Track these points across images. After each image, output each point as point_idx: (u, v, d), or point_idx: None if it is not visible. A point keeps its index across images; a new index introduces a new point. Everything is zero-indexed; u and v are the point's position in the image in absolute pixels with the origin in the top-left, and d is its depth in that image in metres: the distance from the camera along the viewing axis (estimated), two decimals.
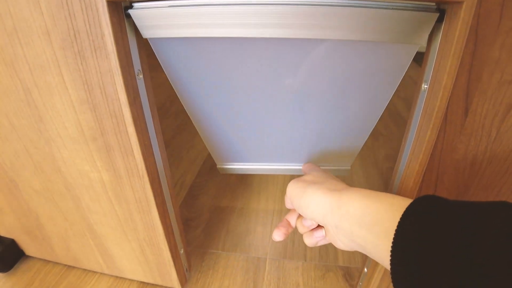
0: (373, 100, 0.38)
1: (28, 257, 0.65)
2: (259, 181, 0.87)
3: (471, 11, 0.25)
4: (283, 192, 0.65)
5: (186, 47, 0.34)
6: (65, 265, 0.62)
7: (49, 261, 0.63)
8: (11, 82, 0.38)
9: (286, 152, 0.49)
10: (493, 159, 0.34)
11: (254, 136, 0.47)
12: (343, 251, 0.64)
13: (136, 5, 0.31)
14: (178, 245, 0.50)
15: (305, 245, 0.56)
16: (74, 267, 0.61)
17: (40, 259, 0.64)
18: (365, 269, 0.49)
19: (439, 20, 0.28)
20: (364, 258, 0.50)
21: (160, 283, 0.55)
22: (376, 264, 0.45)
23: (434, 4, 0.27)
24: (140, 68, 0.35)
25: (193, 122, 0.44)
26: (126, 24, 0.32)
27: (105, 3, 0.29)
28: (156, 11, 0.30)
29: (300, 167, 0.50)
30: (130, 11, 0.31)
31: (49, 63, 0.35)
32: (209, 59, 0.35)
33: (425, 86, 0.31)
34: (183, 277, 0.53)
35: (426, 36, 0.29)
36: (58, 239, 0.55)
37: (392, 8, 0.27)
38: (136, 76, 0.34)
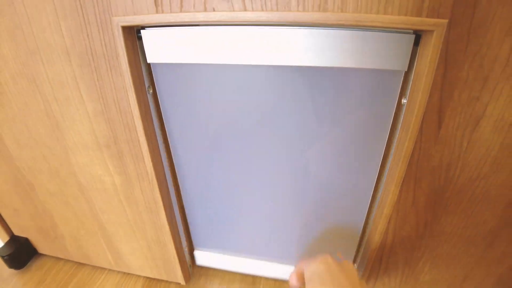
0: (357, 170, 0.40)
1: (40, 255, 0.69)
2: None
3: (441, 38, 0.29)
4: None
5: (184, 74, 0.37)
6: (76, 262, 0.66)
7: (60, 259, 0.67)
8: (32, 95, 0.42)
9: (269, 243, 0.52)
10: (466, 166, 0.37)
11: (241, 211, 0.49)
12: None
13: (146, 29, 0.34)
14: (183, 243, 0.54)
15: None
16: (84, 264, 0.65)
17: (52, 257, 0.68)
18: (355, 266, 0.53)
19: (416, 44, 0.32)
20: None
21: (165, 278, 0.59)
22: None
23: (415, 29, 0.31)
24: (149, 84, 0.39)
25: (179, 185, 0.47)
26: (138, 45, 0.36)
27: (120, 28, 0.33)
28: (163, 34, 0.34)
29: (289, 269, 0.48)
30: (142, 33, 0.35)
31: (68, 79, 0.39)
32: (201, 94, 0.38)
33: (404, 100, 0.35)
34: (187, 273, 0.57)
35: (407, 60, 0.32)
36: (71, 237, 0.59)
37: (379, 31, 0.30)
38: (147, 91, 0.38)
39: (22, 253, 0.65)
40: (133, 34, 0.34)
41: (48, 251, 0.66)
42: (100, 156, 0.43)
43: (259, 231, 0.52)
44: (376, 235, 0.44)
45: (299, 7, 0.29)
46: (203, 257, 0.59)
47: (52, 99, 0.41)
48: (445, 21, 0.28)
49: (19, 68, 0.40)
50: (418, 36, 0.31)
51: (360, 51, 0.31)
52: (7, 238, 0.66)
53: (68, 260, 0.67)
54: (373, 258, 0.47)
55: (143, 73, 0.37)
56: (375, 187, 0.43)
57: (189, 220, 0.53)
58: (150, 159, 0.40)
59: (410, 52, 0.32)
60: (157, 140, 0.41)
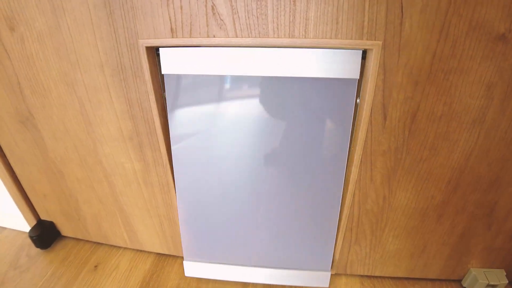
0: (330, 164, 0.50)
1: (63, 237, 0.79)
2: None
3: (379, 54, 0.41)
4: None
5: (191, 85, 0.48)
6: (95, 242, 0.76)
7: (80, 240, 0.77)
8: (70, 98, 0.53)
9: (257, 246, 0.57)
10: (410, 150, 0.49)
11: (228, 218, 0.54)
12: None
13: (161, 49, 0.46)
14: None
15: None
16: (102, 244, 0.76)
17: (73, 238, 0.78)
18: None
19: (364, 58, 0.43)
20: None
21: (173, 253, 0.69)
22: None
23: (360, 48, 0.42)
24: (164, 89, 0.50)
25: (176, 194, 0.54)
26: (157, 60, 0.47)
27: (144, 48, 0.44)
28: (175, 52, 0.45)
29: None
30: (160, 50, 0.46)
31: (101, 86, 0.50)
32: (210, 100, 0.49)
33: (358, 100, 0.46)
34: None
35: (358, 70, 0.44)
36: (92, 219, 0.70)
37: (336, 49, 0.41)
38: (163, 95, 0.49)
39: (47, 235, 0.75)
40: (153, 52, 0.46)
41: (71, 233, 0.76)
42: (124, 146, 0.54)
43: (246, 239, 0.58)
44: (344, 209, 0.55)
45: (275, 34, 0.40)
46: (193, 268, 0.63)
47: (87, 101, 0.52)
48: (380, 42, 0.40)
49: (61, 76, 0.51)
50: (364, 52, 0.43)
51: (322, 64, 0.43)
52: (34, 222, 0.76)
53: (87, 241, 0.77)
54: (344, 228, 0.58)
55: (160, 81, 0.48)
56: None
57: (181, 234, 0.58)
58: (165, 148, 0.51)
59: (360, 64, 0.43)
60: (169, 133, 0.52)
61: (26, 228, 0.80)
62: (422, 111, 0.45)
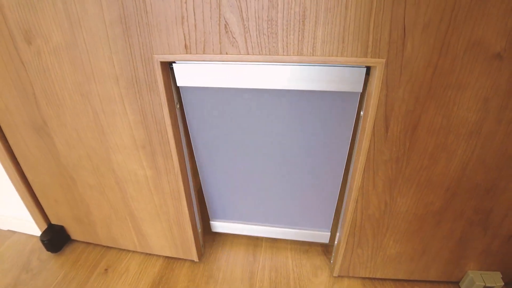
0: (334, 152, 0.54)
1: (73, 240, 0.81)
2: None
3: (382, 71, 0.43)
4: None
5: (204, 96, 0.51)
6: (104, 246, 0.78)
7: (90, 243, 0.79)
8: (84, 108, 0.55)
9: (270, 212, 0.68)
10: (410, 159, 0.51)
11: (246, 192, 0.64)
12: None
13: (175, 64, 0.48)
14: (198, 226, 0.67)
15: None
16: (111, 247, 0.78)
17: (83, 242, 0.80)
18: (335, 242, 0.66)
19: (367, 74, 0.46)
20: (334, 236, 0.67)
21: (182, 256, 0.71)
22: (342, 239, 0.62)
23: (364, 65, 0.45)
24: (177, 101, 0.52)
25: (199, 174, 0.63)
26: (170, 74, 0.49)
27: (159, 63, 0.46)
28: (188, 67, 0.47)
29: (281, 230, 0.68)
30: (173, 65, 0.48)
31: (115, 97, 0.52)
32: (220, 110, 0.52)
33: (362, 112, 0.49)
34: (200, 251, 0.70)
35: (361, 85, 0.46)
36: (102, 224, 0.72)
37: (341, 66, 0.44)
38: (176, 106, 0.51)
39: (58, 239, 0.77)
40: (167, 66, 0.48)
41: (80, 237, 0.78)
42: (137, 155, 0.56)
43: (260, 203, 0.66)
44: (348, 214, 0.58)
45: (284, 52, 0.42)
46: (217, 226, 0.74)
47: (101, 111, 0.54)
48: (383, 60, 0.42)
49: (75, 87, 0.53)
50: (368, 68, 0.45)
51: (329, 79, 0.45)
52: (45, 226, 0.78)
53: (97, 245, 0.79)
54: (347, 233, 0.60)
55: (173, 94, 0.51)
56: (343, 175, 0.57)
57: (206, 198, 0.67)
58: (177, 156, 0.53)
59: (363, 79, 0.46)
60: (181, 143, 0.54)
61: (36, 232, 0.82)
62: (422, 123, 0.48)
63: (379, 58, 0.42)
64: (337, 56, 0.42)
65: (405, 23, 0.40)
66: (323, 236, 0.70)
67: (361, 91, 0.47)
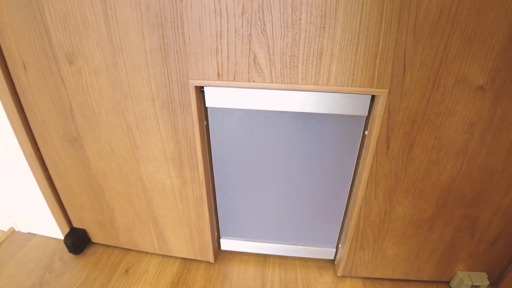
0: (338, 175, 0.62)
1: (93, 243, 0.86)
2: None
3: (385, 99, 0.51)
4: None
5: (227, 115, 0.58)
6: (123, 248, 0.83)
7: (110, 246, 0.85)
8: (119, 123, 0.61)
9: (279, 230, 0.74)
10: (407, 173, 0.59)
11: (257, 210, 0.70)
12: None
13: (206, 87, 0.55)
14: (216, 230, 0.73)
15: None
16: (130, 250, 0.83)
17: (103, 245, 0.85)
18: (340, 245, 0.73)
19: (372, 100, 0.53)
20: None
21: (199, 258, 0.77)
22: (346, 241, 0.69)
23: (369, 94, 0.52)
24: (206, 119, 0.59)
25: (216, 191, 0.68)
26: (202, 96, 0.56)
27: (193, 87, 0.53)
28: (218, 90, 0.54)
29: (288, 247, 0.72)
30: (205, 88, 0.55)
31: (151, 116, 0.58)
32: (239, 128, 0.59)
33: (366, 132, 0.56)
34: (216, 253, 0.76)
35: (366, 109, 0.54)
36: (125, 228, 0.77)
37: (350, 93, 0.52)
38: (204, 123, 0.58)
39: (80, 242, 0.82)
40: (199, 89, 0.55)
41: (101, 240, 0.84)
42: (165, 166, 0.63)
43: (269, 221, 0.72)
44: (352, 221, 0.65)
45: (303, 82, 0.50)
46: (227, 244, 0.78)
47: (135, 127, 0.60)
48: (386, 90, 0.50)
49: (112, 105, 0.60)
50: (373, 96, 0.53)
51: (339, 104, 0.53)
52: (67, 230, 0.83)
53: (116, 247, 0.84)
54: (351, 237, 0.67)
55: (203, 113, 0.57)
56: (350, 189, 0.64)
57: (219, 216, 0.73)
58: (202, 167, 0.60)
59: (368, 105, 0.53)
60: (207, 155, 0.61)
61: (57, 234, 0.87)
62: (418, 143, 0.55)
63: (383, 88, 0.50)
64: (348, 86, 0.50)
65: (405, 61, 0.48)
66: (328, 253, 0.76)
67: (366, 114, 0.54)
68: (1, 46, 0.59)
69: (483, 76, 0.49)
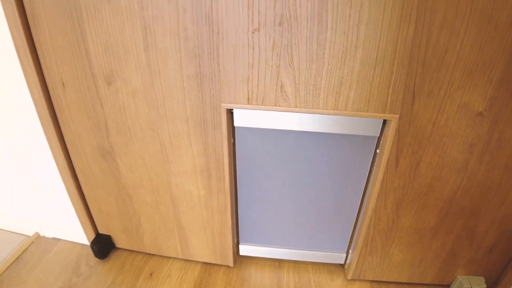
0: (350, 188, 0.69)
1: (117, 248, 0.91)
2: None
3: (396, 123, 0.57)
4: None
5: (252, 134, 0.64)
6: (146, 253, 0.89)
7: (133, 251, 0.90)
8: (152, 140, 0.67)
9: (293, 237, 0.80)
10: (414, 187, 0.65)
11: (274, 219, 0.76)
12: None
13: (234, 109, 0.61)
14: (236, 236, 0.79)
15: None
16: (153, 255, 0.88)
17: (127, 250, 0.90)
18: (350, 250, 0.79)
19: (384, 124, 0.60)
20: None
21: (219, 262, 0.83)
22: (357, 247, 0.75)
23: (382, 118, 0.59)
24: (233, 137, 0.65)
25: (238, 201, 0.74)
26: (231, 116, 0.62)
27: (225, 109, 0.59)
28: (245, 112, 0.60)
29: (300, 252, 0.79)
30: (234, 110, 0.61)
31: (184, 134, 0.64)
32: (263, 145, 0.65)
33: (378, 150, 0.63)
34: (235, 258, 0.82)
35: (378, 130, 0.60)
36: (150, 234, 0.83)
37: (365, 118, 0.58)
38: (231, 141, 0.64)
39: (105, 247, 0.88)
40: (229, 111, 0.61)
41: (126, 245, 0.89)
42: (194, 178, 0.68)
43: (286, 229, 0.78)
44: (363, 229, 0.71)
45: (324, 107, 0.56)
46: (245, 249, 0.84)
47: (168, 144, 0.66)
48: (397, 115, 0.57)
49: (147, 123, 0.65)
50: (385, 120, 0.60)
51: (354, 125, 0.59)
52: (93, 235, 0.88)
53: (139, 252, 0.89)
54: (361, 243, 0.74)
55: (231, 131, 0.63)
56: (361, 200, 0.71)
57: (239, 223, 0.79)
58: (228, 180, 0.66)
59: (381, 127, 0.60)
60: (233, 169, 0.67)
61: (82, 240, 0.92)
62: (424, 161, 0.62)
63: (394, 114, 0.57)
64: (363, 111, 0.56)
65: (415, 90, 0.55)
66: (339, 257, 0.82)
67: (378, 135, 0.61)
68: (41, 65, 0.63)
69: (482, 103, 0.56)
